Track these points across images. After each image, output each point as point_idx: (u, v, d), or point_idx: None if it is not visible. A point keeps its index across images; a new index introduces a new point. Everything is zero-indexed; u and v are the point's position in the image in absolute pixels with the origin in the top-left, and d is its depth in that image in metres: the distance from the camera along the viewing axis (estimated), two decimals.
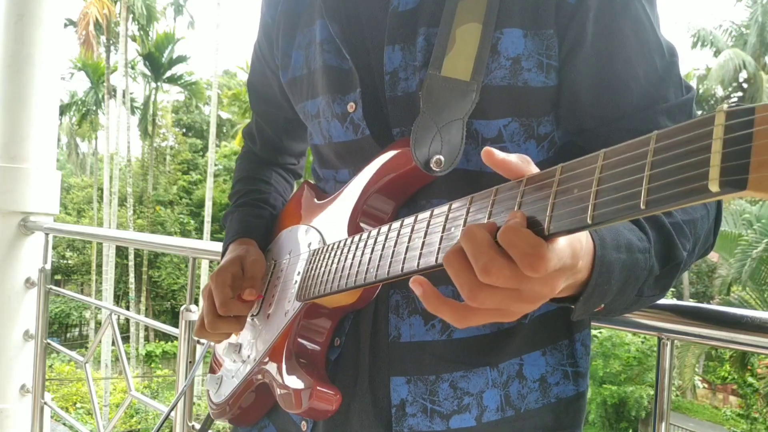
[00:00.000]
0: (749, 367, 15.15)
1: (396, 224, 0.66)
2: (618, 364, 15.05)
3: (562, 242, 0.50)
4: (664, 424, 0.93)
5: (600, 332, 15.00)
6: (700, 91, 21.41)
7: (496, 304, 0.52)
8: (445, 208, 0.59)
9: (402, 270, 0.61)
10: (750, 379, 15.61)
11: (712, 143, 0.37)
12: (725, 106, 0.38)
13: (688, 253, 0.68)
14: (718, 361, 19.06)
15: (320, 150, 0.93)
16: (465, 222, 0.55)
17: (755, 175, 0.35)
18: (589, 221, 0.44)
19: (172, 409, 1.20)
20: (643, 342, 14.92)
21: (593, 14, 0.74)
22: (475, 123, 0.77)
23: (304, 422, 0.86)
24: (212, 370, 1.03)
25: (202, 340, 1.97)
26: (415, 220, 0.62)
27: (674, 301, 0.91)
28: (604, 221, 0.43)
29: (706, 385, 19.55)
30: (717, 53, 20.99)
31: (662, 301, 0.91)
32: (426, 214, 0.61)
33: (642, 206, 0.40)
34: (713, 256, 19.32)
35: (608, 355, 15.12)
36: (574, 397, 0.82)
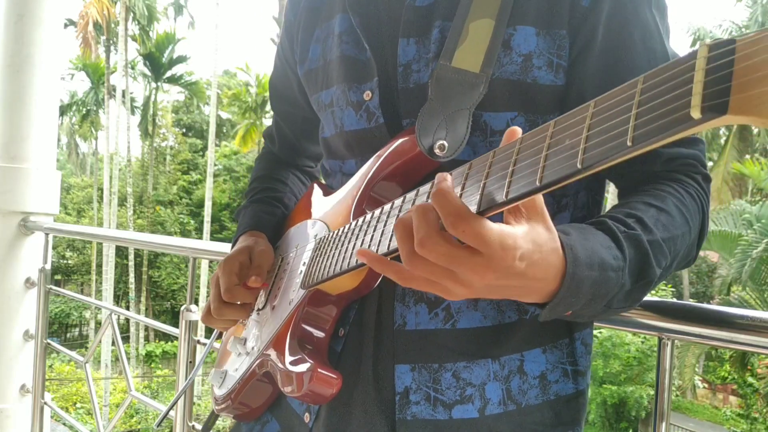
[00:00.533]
0: (749, 367, 15.15)
1: (398, 201, 0.67)
2: (618, 364, 15.03)
3: (494, 232, 0.53)
4: (664, 424, 0.93)
5: (600, 332, 14.99)
6: None
7: (428, 275, 0.57)
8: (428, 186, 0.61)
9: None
10: (750, 379, 15.61)
11: (695, 74, 0.37)
12: (708, 40, 0.38)
13: (664, 269, 0.70)
14: (718, 361, 19.06)
15: (329, 141, 0.94)
16: (463, 185, 0.56)
17: (736, 96, 0.35)
18: (579, 166, 0.44)
19: (171, 407, 1.21)
20: (643, 342, 14.92)
21: (605, 18, 0.76)
22: (484, 115, 0.78)
23: (306, 414, 0.86)
24: (217, 365, 1.04)
25: (202, 341, 1.97)
26: (416, 194, 0.63)
27: (674, 301, 0.91)
28: (593, 164, 0.44)
29: (706, 385, 19.55)
30: None
31: (662, 301, 0.91)
32: (426, 187, 0.62)
33: (629, 143, 0.41)
34: (713, 256, 19.31)
35: (608, 355, 15.11)
36: (573, 395, 0.83)
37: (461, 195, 0.56)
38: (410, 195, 0.65)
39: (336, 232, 0.81)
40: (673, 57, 0.78)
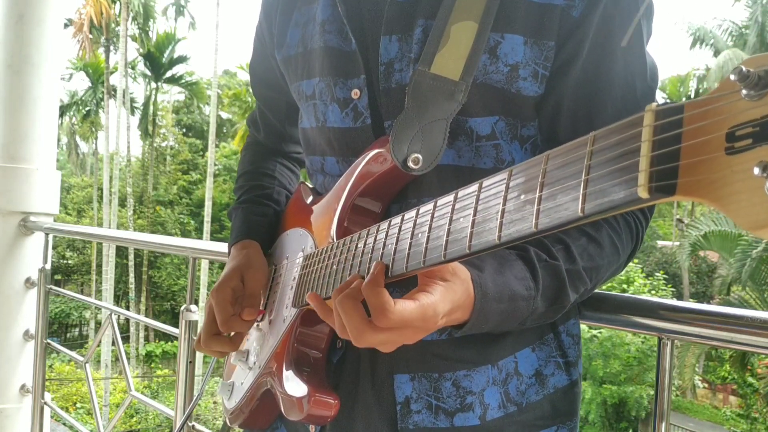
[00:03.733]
0: (749, 367, 15.14)
1: (373, 229, 0.67)
2: (618, 364, 15.02)
3: (415, 312, 0.60)
4: (664, 424, 0.93)
5: (600, 332, 14.98)
6: (700, 91, 21.37)
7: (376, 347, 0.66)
8: (413, 213, 0.61)
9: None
10: (750, 379, 15.60)
11: (641, 146, 0.36)
12: (654, 104, 0.37)
13: (583, 293, 0.76)
14: (718, 361, 19.05)
15: (308, 133, 0.92)
16: (430, 225, 0.57)
17: (684, 179, 0.34)
18: (534, 229, 0.44)
19: (188, 417, 1.20)
20: (643, 342, 14.91)
21: (593, 32, 0.75)
22: (469, 121, 0.77)
23: (312, 425, 0.87)
24: (225, 377, 1.04)
25: None
26: (402, 219, 0.63)
27: (674, 301, 0.91)
28: (547, 230, 0.44)
29: (706, 385, 19.54)
30: (717, 53, 20.96)
31: (662, 301, 0.91)
32: (412, 213, 0.62)
33: (580, 213, 0.40)
34: (713, 256, 19.28)
35: (608, 355, 15.09)
36: (568, 386, 0.83)
37: (428, 238, 0.57)
38: (383, 225, 0.66)
39: (320, 250, 0.80)
40: (650, 67, 0.78)
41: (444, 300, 0.62)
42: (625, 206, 0.37)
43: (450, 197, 0.56)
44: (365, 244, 0.68)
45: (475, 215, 0.52)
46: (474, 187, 0.53)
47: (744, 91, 0.32)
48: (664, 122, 0.35)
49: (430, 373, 0.79)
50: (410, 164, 0.74)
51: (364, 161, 0.79)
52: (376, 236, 0.66)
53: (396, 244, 0.61)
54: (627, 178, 0.36)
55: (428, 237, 0.57)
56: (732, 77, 0.32)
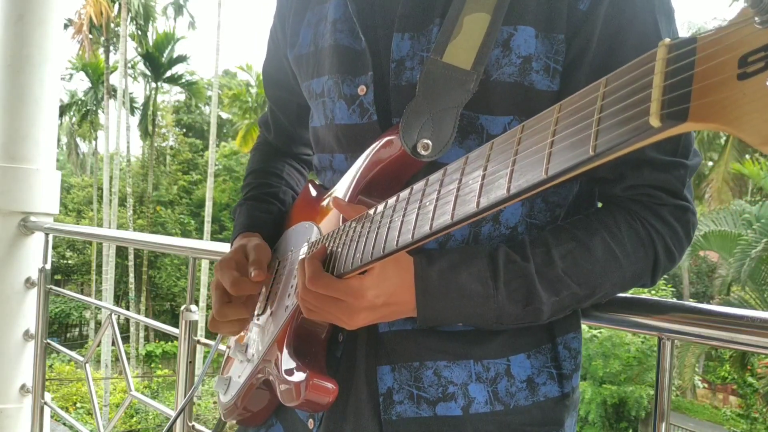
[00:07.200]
0: (749, 367, 15.14)
1: (381, 207, 0.67)
2: (618, 364, 15.03)
3: (341, 285, 0.71)
4: (664, 424, 0.93)
5: (600, 332, 14.98)
6: None
7: (315, 312, 0.76)
8: (422, 183, 0.60)
9: (383, 251, 0.63)
10: (750, 379, 15.60)
11: (654, 77, 0.36)
12: (668, 39, 0.37)
13: (571, 298, 0.75)
14: (718, 361, 19.06)
15: (318, 132, 0.92)
16: (437, 198, 0.57)
17: (696, 103, 0.34)
18: (544, 175, 0.44)
19: (179, 414, 1.20)
20: (643, 342, 14.91)
21: (601, 25, 0.74)
22: (481, 117, 0.77)
23: (311, 420, 0.86)
24: (222, 372, 1.03)
25: (202, 341, 1.97)
26: (411, 192, 0.62)
27: (674, 301, 0.91)
28: (558, 174, 0.43)
29: (706, 385, 19.54)
30: None
31: (662, 301, 0.91)
32: (420, 184, 0.61)
33: (591, 152, 0.40)
34: (713, 256, 19.29)
35: (608, 355, 15.10)
36: (559, 397, 0.83)
37: (436, 205, 0.56)
38: (391, 201, 0.65)
39: (326, 236, 0.80)
40: None
41: (374, 280, 0.70)
42: (638, 138, 0.37)
43: (461, 162, 0.55)
44: (371, 221, 0.67)
45: (485, 171, 0.51)
46: (485, 147, 0.52)
47: (757, 18, 0.32)
48: (677, 53, 0.35)
49: (411, 362, 0.79)
50: (420, 150, 0.73)
51: (375, 148, 0.79)
52: (384, 211, 0.65)
53: (403, 216, 0.60)
54: (639, 109, 0.36)
55: (436, 204, 0.56)
56: (746, 4, 0.32)
